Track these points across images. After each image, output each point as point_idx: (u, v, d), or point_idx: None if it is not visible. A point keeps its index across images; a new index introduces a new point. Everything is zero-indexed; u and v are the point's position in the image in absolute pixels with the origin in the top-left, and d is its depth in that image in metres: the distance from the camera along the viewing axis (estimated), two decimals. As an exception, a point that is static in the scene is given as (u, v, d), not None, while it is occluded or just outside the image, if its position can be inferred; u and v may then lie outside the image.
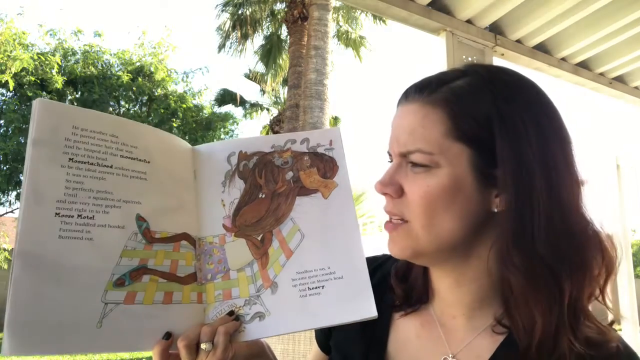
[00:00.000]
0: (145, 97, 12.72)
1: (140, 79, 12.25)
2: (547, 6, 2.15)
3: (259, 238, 0.68)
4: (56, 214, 0.56)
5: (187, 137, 12.07)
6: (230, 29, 12.99)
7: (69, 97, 11.67)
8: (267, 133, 14.58)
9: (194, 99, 13.44)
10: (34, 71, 10.71)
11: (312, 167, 0.71)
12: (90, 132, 0.61)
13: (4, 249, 10.46)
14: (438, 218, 0.57)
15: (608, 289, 0.59)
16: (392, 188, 0.60)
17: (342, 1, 2.78)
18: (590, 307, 0.58)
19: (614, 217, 3.03)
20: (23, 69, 10.33)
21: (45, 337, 0.52)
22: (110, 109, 11.88)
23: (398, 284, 0.70)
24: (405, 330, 0.68)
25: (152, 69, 12.49)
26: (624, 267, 2.96)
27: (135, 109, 12.96)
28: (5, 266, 10.41)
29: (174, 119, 12.56)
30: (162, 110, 12.51)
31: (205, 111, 13.44)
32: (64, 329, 0.54)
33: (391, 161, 0.63)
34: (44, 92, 10.83)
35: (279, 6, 12.70)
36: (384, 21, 12.10)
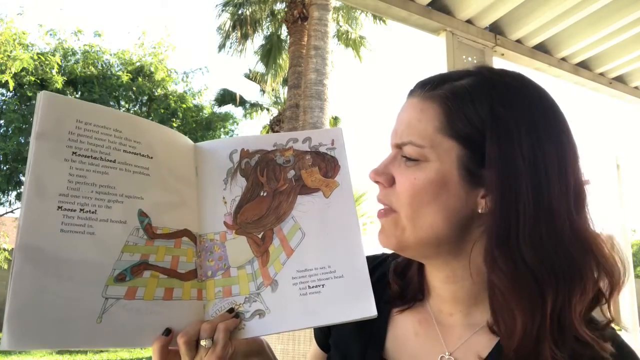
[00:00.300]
0: (145, 97, 12.73)
1: (140, 79, 12.26)
2: (547, 6, 2.15)
3: (260, 236, 0.68)
4: (58, 207, 0.56)
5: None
6: (230, 29, 13.00)
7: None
8: (267, 133, 14.57)
9: (194, 99, 13.46)
10: (34, 71, 10.72)
11: (313, 166, 0.71)
12: (94, 126, 0.61)
13: (4, 249, 10.45)
14: (422, 211, 0.58)
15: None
16: (384, 177, 0.62)
17: (342, 1, 2.79)
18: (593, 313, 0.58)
19: (614, 217, 3.03)
20: (23, 69, 10.33)
21: (45, 331, 0.52)
22: (110, 108, 11.87)
23: (395, 280, 0.71)
24: (403, 328, 0.68)
25: (152, 69, 12.50)
26: (623, 267, 2.95)
27: (135, 109, 12.96)
28: (5, 266, 10.41)
29: (174, 119, 12.57)
30: (162, 110, 12.52)
31: (205, 111, 13.45)
32: (63, 323, 0.54)
33: None
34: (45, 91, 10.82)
35: (279, 6, 12.70)
36: (384, 21, 12.11)
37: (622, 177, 3.17)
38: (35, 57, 10.77)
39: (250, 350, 0.65)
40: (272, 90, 14.71)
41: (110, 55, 12.59)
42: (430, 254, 0.62)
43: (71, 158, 0.58)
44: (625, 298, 2.92)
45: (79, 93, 11.74)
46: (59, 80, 10.86)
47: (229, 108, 15.67)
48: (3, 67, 10.00)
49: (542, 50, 2.52)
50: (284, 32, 12.94)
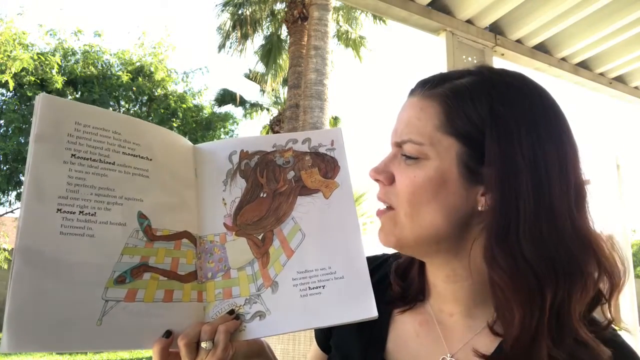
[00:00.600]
0: (145, 97, 12.73)
1: (140, 79, 12.26)
2: (547, 6, 2.15)
3: (260, 237, 0.68)
4: (58, 210, 0.56)
5: (187, 137, 11.99)
6: (230, 29, 13.00)
7: (69, 97, 11.66)
8: (267, 133, 14.58)
9: (194, 99, 13.47)
10: (34, 71, 10.72)
11: (313, 167, 0.71)
12: (93, 128, 0.61)
13: (4, 249, 10.45)
14: (421, 209, 0.58)
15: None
16: (384, 175, 0.62)
17: (342, 1, 2.79)
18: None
19: (614, 217, 3.03)
20: (23, 69, 10.33)
21: (45, 334, 0.52)
22: (110, 109, 11.86)
23: (397, 281, 0.70)
24: (404, 329, 0.68)
25: (152, 69, 12.50)
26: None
27: (135, 109, 12.97)
28: (5, 266, 10.41)
29: (174, 119, 12.58)
30: (162, 110, 12.53)
31: (205, 111, 13.46)
32: (63, 326, 0.54)
33: None
34: (44, 92, 10.84)
35: (279, 6, 12.70)
36: (384, 21, 12.11)
37: (622, 177, 3.17)
38: (35, 57, 10.77)
39: (250, 351, 0.65)
40: (272, 90, 14.71)
41: (110, 55, 12.60)
42: (429, 251, 0.62)
43: (70, 160, 0.58)
44: (626, 298, 2.92)
45: (79, 93, 11.74)
46: (59, 80, 10.87)
47: (229, 108, 15.69)
48: (3, 67, 10.00)
49: (542, 50, 2.52)
50: (284, 32, 12.94)
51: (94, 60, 12.21)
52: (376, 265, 0.76)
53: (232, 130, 14.12)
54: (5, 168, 11.01)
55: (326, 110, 8.52)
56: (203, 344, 0.59)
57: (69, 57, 12.04)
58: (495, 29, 2.33)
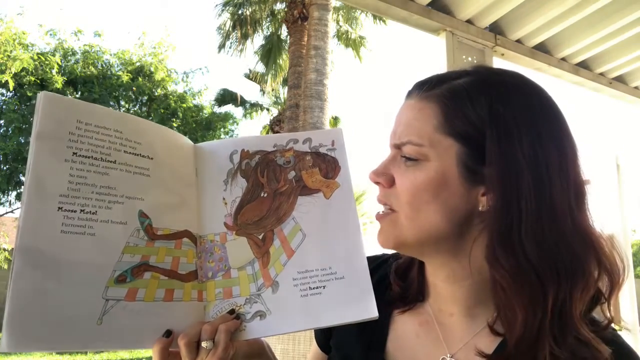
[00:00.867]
0: (145, 97, 12.74)
1: (140, 79, 12.26)
2: (547, 6, 2.15)
3: (260, 237, 0.68)
4: (59, 208, 0.56)
5: (187, 137, 12.07)
6: (230, 29, 13.00)
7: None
8: (267, 133, 14.58)
9: (194, 99, 13.47)
10: (34, 71, 10.72)
11: (314, 167, 0.71)
12: (94, 126, 0.61)
13: (4, 249, 10.45)
14: (423, 210, 0.58)
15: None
16: (384, 178, 0.62)
17: (342, 1, 2.79)
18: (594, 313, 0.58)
19: (614, 217, 3.03)
20: (23, 69, 10.33)
21: (45, 333, 0.52)
22: (110, 109, 11.88)
23: (397, 282, 0.70)
24: (404, 330, 0.68)
25: (152, 69, 12.50)
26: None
27: (135, 109, 12.97)
28: (5, 266, 10.40)
29: (174, 119, 12.58)
30: (162, 110, 12.53)
31: (205, 111, 13.46)
32: (63, 325, 0.53)
33: None
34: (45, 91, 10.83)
35: (279, 6, 12.70)
36: (384, 21, 12.11)
37: (622, 177, 3.16)
38: (35, 57, 10.77)
39: (251, 351, 0.65)
40: (272, 90, 14.70)
41: (110, 55, 12.60)
42: (430, 252, 0.62)
43: (71, 159, 0.58)
44: (625, 298, 2.92)
45: (79, 93, 11.74)
46: (59, 80, 10.86)
47: (229, 108, 15.68)
48: (3, 67, 10.00)
49: (542, 50, 2.51)
50: (284, 32, 12.94)
51: (94, 60, 12.22)
52: (376, 265, 0.76)
53: (232, 130, 14.12)
54: (5, 168, 11.01)
55: (326, 110, 8.52)
56: (204, 344, 0.59)
57: (69, 57, 12.04)
58: (495, 29, 2.33)
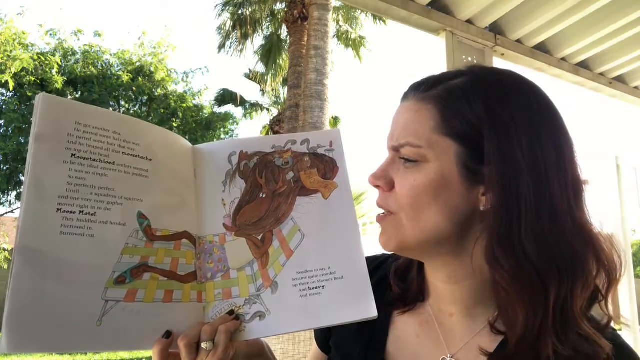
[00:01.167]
0: (145, 97, 12.74)
1: (140, 79, 12.26)
2: (547, 6, 2.15)
3: (260, 237, 0.68)
4: (58, 209, 0.56)
5: (187, 137, 12.05)
6: (230, 29, 13.00)
7: (69, 97, 11.66)
8: (267, 133, 14.59)
9: (194, 99, 13.47)
10: (34, 71, 10.73)
11: (312, 168, 0.71)
12: (93, 128, 0.61)
13: (4, 249, 10.45)
14: (424, 212, 0.58)
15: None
16: (384, 181, 0.62)
17: (342, 1, 2.79)
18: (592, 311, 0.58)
19: (614, 217, 3.03)
20: (23, 69, 10.34)
21: (44, 334, 0.52)
22: (110, 109, 11.87)
23: (397, 282, 0.70)
24: (404, 330, 0.68)
25: (152, 69, 12.50)
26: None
27: (135, 109, 12.97)
28: (5, 266, 10.41)
29: (174, 119, 12.58)
30: (162, 110, 12.53)
31: (205, 111, 13.46)
32: (63, 326, 0.53)
33: None
34: (44, 92, 10.84)
35: (279, 6, 12.70)
36: (384, 21, 12.11)
37: (622, 177, 3.16)
38: (35, 57, 10.77)
39: (250, 352, 0.65)
40: (272, 90, 14.70)
41: (110, 55, 12.60)
42: (431, 254, 0.62)
43: (70, 160, 0.58)
44: (625, 298, 2.92)
45: (79, 93, 11.75)
46: (59, 81, 10.87)
47: (229, 108, 15.67)
48: (3, 67, 10.00)
49: (542, 50, 2.51)
50: (284, 32, 12.94)
51: (94, 60, 12.22)
52: (376, 265, 0.76)
53: (232, 130, 14.12)
54: (5, 168, 11.01)
55: (326, 110, 8.52)
56: (203, 345, 0.59)
57: (69, 57, 12.03)
58: (495, 29, 2.33)
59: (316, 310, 0.63)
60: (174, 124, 12.41)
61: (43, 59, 10.91)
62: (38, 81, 10.91)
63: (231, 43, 13.14)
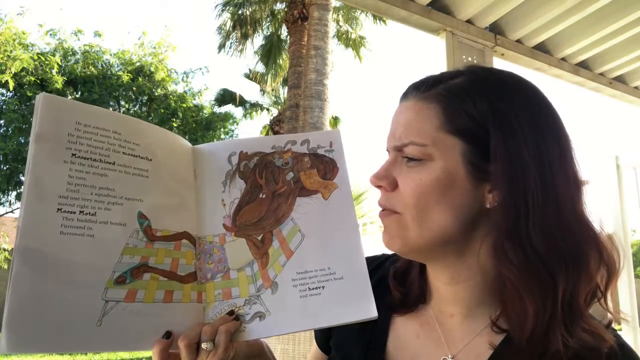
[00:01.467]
0: (145, 97, 12.74)
1: (140, 79, 12.27)
2: (547, 6, 2.15)
3: (259, 238, 0.68)
4: (58, 209, 0.56)
5: (187, 137, 12.09)
6: (230, 29, 13.01)
7: (69, 97, 11.66)
8: (267, 133, 14.59)
9: (194, 99, 13.47)
10: (34, 71, 10.73)
11: (312, 168, 0.71)
12: (93, 128, 0.61)
13: (4, 249, 10.45)
14: (430, 211, 0.58)
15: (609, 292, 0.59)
16: (386, 181, 0.61)
17: (342, 1, 2.79)
18: (590, 310, 0.58)
19: (614, 217, 3.03)
20: (23, 69, 10.34)
21: (44, 334, 0.52)
22: (110, 109, 11.86)
23: (396, 286, 0.70)
24: (405, 331, 0.68)
25: (152, 69, 12.51)
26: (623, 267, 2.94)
27: (135, 109, 12.98)
28: (5, 266, 10.41)
29: (174, 119, 12.59)
30: (162, 110, 12.53)
31: (205, 111, 13.47)
32: (63, 326, 0.53)
33: None
34: (44, 92, 10.85)
35: (279, 6, 12.70)
36: (384, 21, 12.11)
37: (622, 177, 3.16)
38: (35, 57, 10.78)
39: (250, 352, 0.65)
40: (272, 90, 14.71)
41: (110, 55, 12.60)
42: (436, 254, 0.62)
43: (70, 160, 0.58)
44: (625, 298, 2.92)
45: (79, 93, 11.75)
46: (59, 81, 10.87)
47: (229, 108, 15.66)
48: (3, 67, 10.01)
49: (542, 50, 2.51)
50: (284, 32, 12.94)
51: (94, 60, 12.22)
52: (375, 265, 0.76)
53: (232, 130, 14.13)
54: (5, 168, 11.01)
55: (326, 110, 8.52)
56: (204, 345, 0.59)
57: (69, 57, 12.04)
58: (495, 29, 2.33)
59: (316, 311, 0.63)
60: (174, 124, 12.41)
61: (43, 59, 10.91)
62: (38, 81, 10.91)
63: (231, 43, 13.15)
